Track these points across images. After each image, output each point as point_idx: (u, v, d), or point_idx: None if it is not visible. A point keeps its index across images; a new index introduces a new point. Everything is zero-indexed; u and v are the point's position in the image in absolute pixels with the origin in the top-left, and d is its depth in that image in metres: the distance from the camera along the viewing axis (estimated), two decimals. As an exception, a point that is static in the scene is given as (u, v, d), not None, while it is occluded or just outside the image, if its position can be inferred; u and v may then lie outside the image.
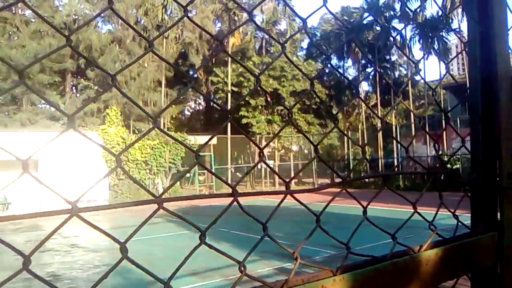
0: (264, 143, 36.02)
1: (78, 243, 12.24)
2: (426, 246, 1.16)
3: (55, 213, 0.72)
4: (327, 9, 1.08)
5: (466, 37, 1.49)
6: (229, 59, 35.04)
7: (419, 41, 33.33)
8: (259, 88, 34.00)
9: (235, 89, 34.73)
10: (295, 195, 0.97)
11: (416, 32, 33.45)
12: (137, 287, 7.96)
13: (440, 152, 29.92)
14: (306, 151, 41.09)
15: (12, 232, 16.94)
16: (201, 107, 46.26)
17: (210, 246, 0.84)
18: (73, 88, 37.29)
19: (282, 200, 0.94)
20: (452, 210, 1.34)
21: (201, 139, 30.53)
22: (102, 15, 37.81)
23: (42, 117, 30.99)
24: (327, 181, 35.41)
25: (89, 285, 8.91)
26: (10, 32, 33.67)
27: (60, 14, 34.77)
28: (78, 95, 36.41)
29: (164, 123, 35.30)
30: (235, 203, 0.86)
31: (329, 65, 42.21)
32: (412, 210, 1.15)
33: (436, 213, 1.25)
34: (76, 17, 36.25)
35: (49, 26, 31.27)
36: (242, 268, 0.86)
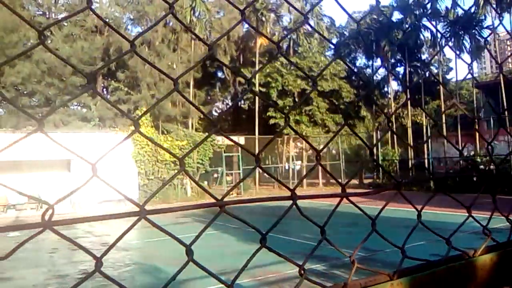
0: (292, 143, 35.91)
1: (110, 242, 12.46)
2: (481, 251, 1.12)
3: (124, 215, 0.73)
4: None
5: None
6: (257, 59, 35.12)
7: (450, 39, 32.60)
8: (290, 88, 33.90)
9: (262, 89, 34.77)
10: (352, 198, 0.95)
11: (448, 30, 32.73)
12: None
13: (472, 153, 29.21)
14: (334, 152, 40.76)
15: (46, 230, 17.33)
16: (226, 108, 46.50)
17: (270, 249, 0.83)
18: (104, 89, 38.06)
19: (339, 204, 0.93)
20: (506, 214, 1.28)
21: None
22: (132, 17, 38.47)
23: (74, 118, 31.73)
24: (355, 182, 35.01)
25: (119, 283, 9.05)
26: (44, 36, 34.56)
27: (91, 17, 35.53)
28: (108, 96, 37.15)
29: (192, 124, 35.62)
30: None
31: (356, 65, 41.81)
32: (448, 213, 1.11)
33: (490, 217, 1.20)
34: (107, 20, 36.93)
35: (82, 30, 31.82)
36: (302, 271, 0.84)
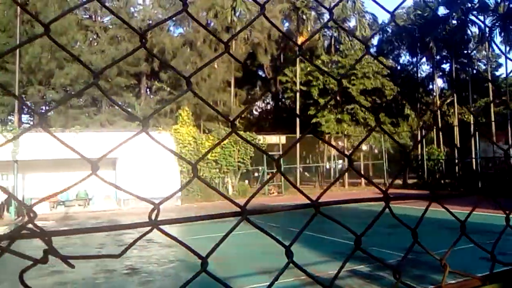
0: (333, 142, 35.48)
1: (154, 238, 12.71)
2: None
3: (227, 215, 0.75)
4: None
5: None
6: (298, 57, 34.92)
7: (500, 34, 31.31)
8: (331, 86, 33.54)
9: (303, 88, 34.59)
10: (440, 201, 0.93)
11: (497, 24, 31.43)
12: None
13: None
14: (376, 151, 40.01)
15: (94, 225, 17.90)
16: (269, 107, 46.50)
17: (364, 252, 0.83)
18: (148, 90, 38.96)
19: (428, 207, 0.91)
20: None
21: (270, 138, 30.73)
22: (174, 19, 39.13)
23: (119, 118, 32.63)
24: (399, 182, 34.19)
25: (164, 279, 9.25)
26: (90, 38, 35.85)
27: (135, 19, 36.46)
28: (152, 96, 38.00)
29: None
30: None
31: (400, 62, 40.84)
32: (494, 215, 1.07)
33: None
34: (150, 21, 37.81)
35: (126, 32, 32.72)
36: (397, 276, 0.83)
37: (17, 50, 25.99)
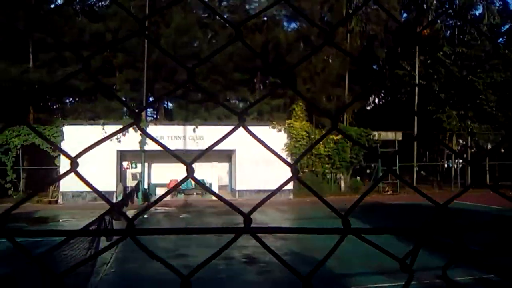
0: (454, 140, 33.06)
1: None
2: None
3: (229, 232, 0.69)
4: None
5: None
6: (417, 50, 33.17)
7: None
8: (454, 80, 31.32)
9: (423, 82, 32.74)
10: None
11: None
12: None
13: None
14: (502, 150, 36.48)
15: (211, 214, 18.81)
16: (381, 102, 44.80)
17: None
18: (262, 85, 39.84)
19: None
20: None
21: (385, 135, 29.62)
22: (288, 14, 39.41)
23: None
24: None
25: (281, 269, 9.34)
26: (209, 36, 37.61)
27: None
28: (266, 90, 38.82)
29: (346, 118, 35.22)
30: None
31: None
32: None
33: None
34: (265, 18, 38.56)
35: (243, 28, 34.09)
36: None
37: (146, 49, 28.20)
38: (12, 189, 24.42)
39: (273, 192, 0.87)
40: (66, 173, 0.81)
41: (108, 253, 10.02)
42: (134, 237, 0.76)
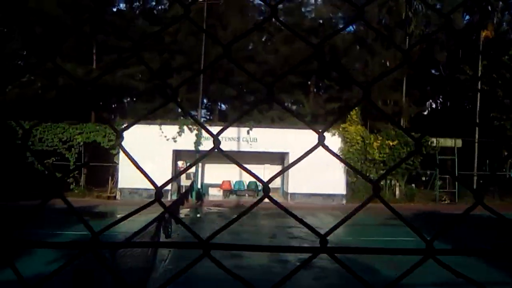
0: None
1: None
2: None
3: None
4: None
5: None
6: (480, 53, 31.78)
7: None
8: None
9: (485, 87, 31.28)
10: None
11: None
12: None
13: None
14: None
15: (263, 216, 18.87)
16: (439, 107, 43.23)
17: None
18: (316, 88, 39.59)
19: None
20: None
21: (444, 141, 28.57)
22: (344, 16, 38.92)
23: (289, 114, 33.76)
24: None
25: (333, 265, 9.23)
26: (264, 38, 37.85)
27: (307, 19, 37.33)
28: (321, 93, 38.57)
29: (403, 123, 34.26)
30: None
31: None
32: None
33: None
34: (321, 21, 38.34)
35: (300, 30, 33.59)
36: None
37: (203, 51, 28.77)
38: (73, 184, 25.61)
39: (356, 209, 0.86)
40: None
41: (166, 250, 10.29)
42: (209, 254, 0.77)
